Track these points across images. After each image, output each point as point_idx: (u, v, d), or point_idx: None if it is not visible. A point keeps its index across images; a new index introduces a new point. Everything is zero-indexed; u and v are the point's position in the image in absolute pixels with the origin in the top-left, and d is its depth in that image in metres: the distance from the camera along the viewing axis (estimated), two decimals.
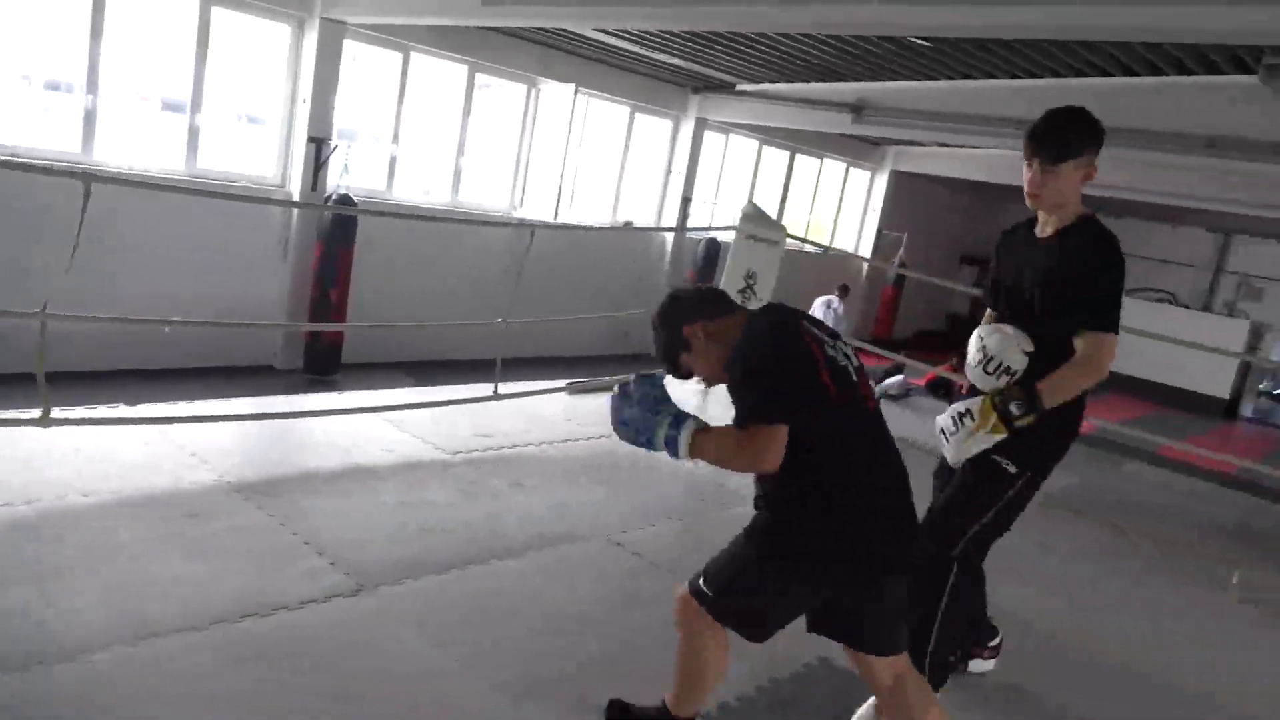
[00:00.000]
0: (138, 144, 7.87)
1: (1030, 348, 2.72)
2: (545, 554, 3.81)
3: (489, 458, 4.87)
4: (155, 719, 2.43)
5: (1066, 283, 2.66)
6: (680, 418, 2.25)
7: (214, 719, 2.47)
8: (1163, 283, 16.76)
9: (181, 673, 2.63)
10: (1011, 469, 2.75)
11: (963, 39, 7.45)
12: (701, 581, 2.35)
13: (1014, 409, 2.62)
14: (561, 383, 6.54)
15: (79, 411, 4.29)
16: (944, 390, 9.97)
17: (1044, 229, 2.80)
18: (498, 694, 2.78)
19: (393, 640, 2.99)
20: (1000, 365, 2.72)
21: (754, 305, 6.76)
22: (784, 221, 10.85)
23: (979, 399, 2.73)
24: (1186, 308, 16.49)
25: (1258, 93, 5.87)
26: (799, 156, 14.05)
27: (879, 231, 15.81)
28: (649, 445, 2.27)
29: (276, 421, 5.06)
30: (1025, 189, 2.74)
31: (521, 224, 8.46)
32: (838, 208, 15.49)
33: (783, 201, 14.03)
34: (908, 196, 16.11)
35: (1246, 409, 16.97)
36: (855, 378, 2.27)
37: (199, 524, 3.57)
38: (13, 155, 6.72)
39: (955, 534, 2.85)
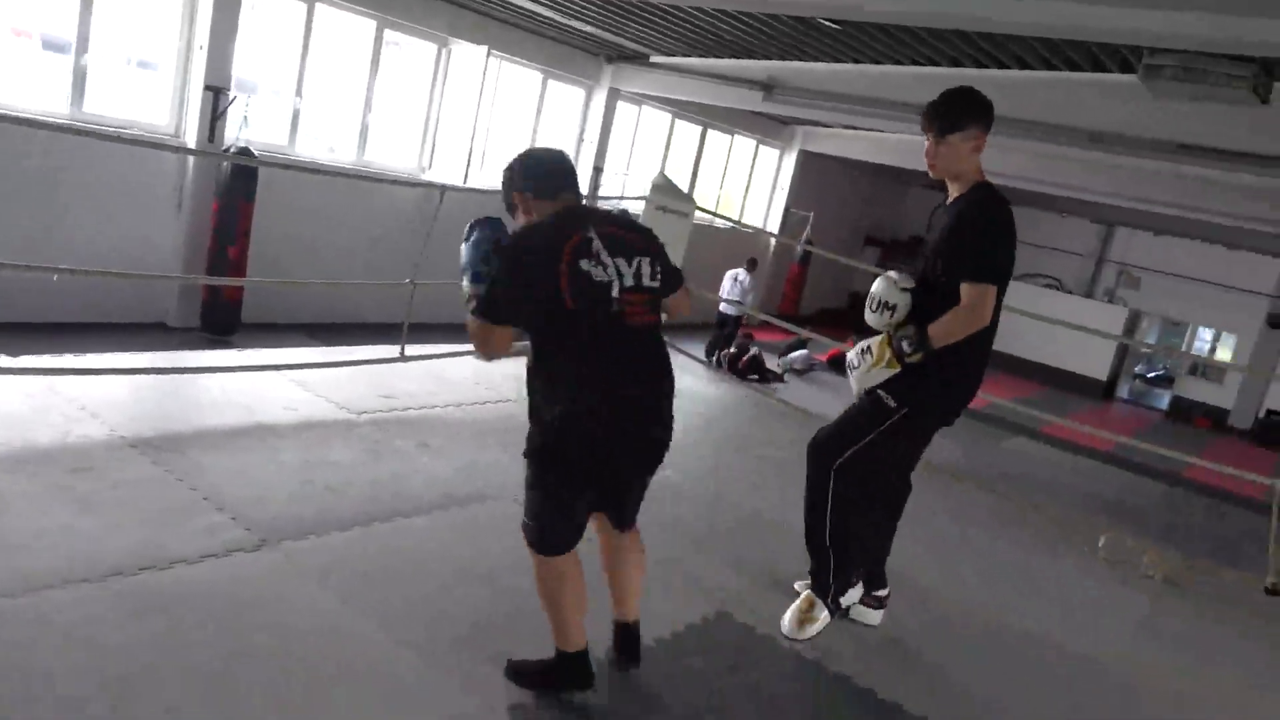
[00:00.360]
0: (15, 82, 7.39)
1: (909, 285, 3.04)
2: (453, 513, 3.83)
3: (394, 419, 4.83)
4: (47, 670, 2.37)
5: (953, 239, 2.94)
6: (479, 276, 2.51)
7: (111, 670, 2.42)
8: (1051, 269, 17.61)
9: (73, 624, 2.57)
10: (891, 403, 3.05)
11: (869, 24, 7.65)
12: (525, 515, 2.61)
13: (905, 346, 2.96)
14: (469, 346, 6.50)
15: None
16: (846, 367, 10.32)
17: (949, 197, 3.07)
18: (405, 649, 2.80)
19: (296, 595, 2.97)
20: (881, 302, 3.06)
21: None
22: (694, 195, 10.97)
23: (879, 337, 3.04)
24: (1071, 293, 17.38)
25: (1138, 91, 6.21)
26: (711, 132, 14.17)
27: (787, 209, 16.10)
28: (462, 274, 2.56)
29: (172, 377, 4.90)
30: (925, 160, 3.03)
31: (430, 185, 8.30)
32: (747, 184, 15.70)
33: (694, 175, 14.14)
34: (815, 176, 16.44)
35: (1123, 390, 18.05)
36: (617, 294, 2.42)
37: (89, 478, 3.45)
38: None
39: (835, 451, 3.14)
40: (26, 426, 3.79)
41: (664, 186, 7.34)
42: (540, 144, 11.69)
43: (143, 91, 8.15)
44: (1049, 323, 7.20)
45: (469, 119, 10.36)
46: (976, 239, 2.91)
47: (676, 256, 6.98)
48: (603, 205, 12.30)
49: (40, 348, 5.31)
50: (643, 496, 2.75)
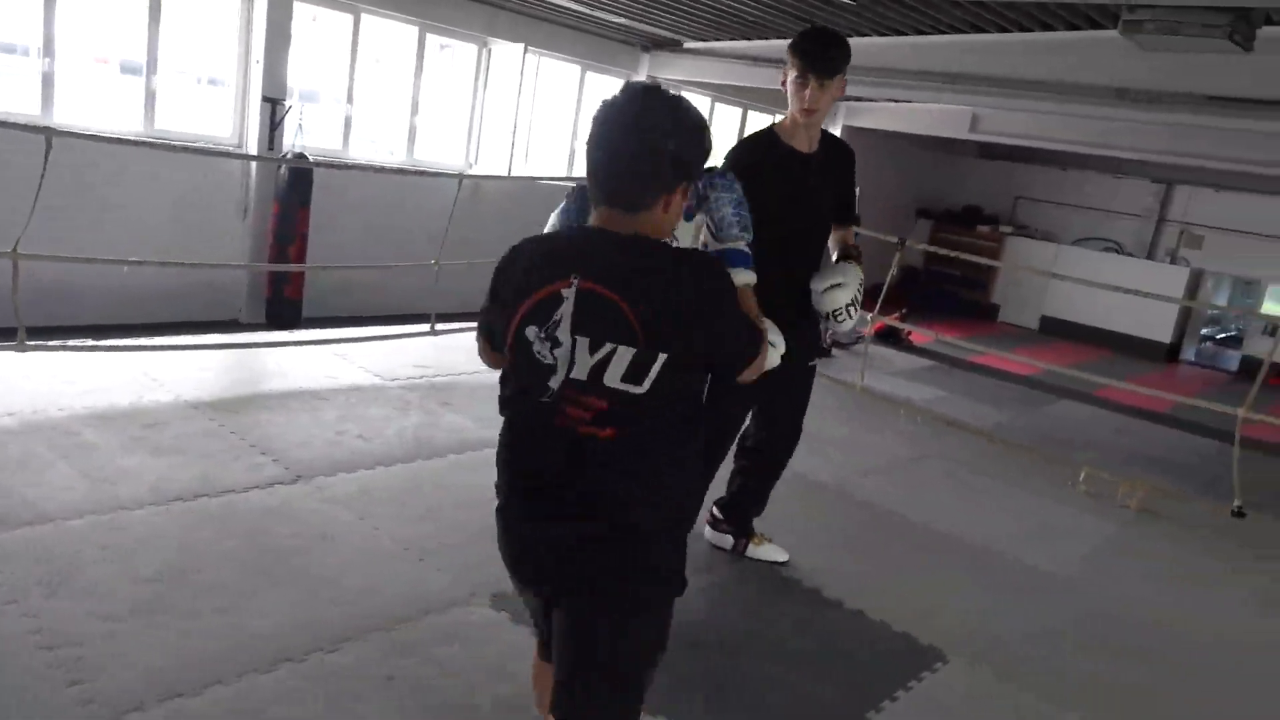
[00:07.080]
0: (97, 106, 8.21)
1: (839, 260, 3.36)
2: (465, 456, 4.37)
3: (424, 384, 5.41)
4: (130, 558, 2.99)
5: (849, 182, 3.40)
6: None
7: (174, 561, 3.04)
8: (1109, 232, 17.37)
9: (146, 534, 3.19)
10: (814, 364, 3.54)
11: None
12: None
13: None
14: None
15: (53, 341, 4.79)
16: (892, 339, 10.69)
17: (807, 145, 3.15)
18: (408, 552, 3.35)
19: (325, 514, 3.56)
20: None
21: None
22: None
23: (852, 280, 3.19)
24: (1131, 256, 17.12)
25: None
26: (751, 113, 14.49)
27: None
28: None
29: (232, 353, 5.56)
30: (802, 105, 3.00)
31: (423, 174, 8.89)
32: None
33: None
34: (861, 153, 16.49)
35: (1189, 352, 17.69)
36: (556, 386, 1.67)
37: (159, 430, 4.10)
38: None
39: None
40: (109, 392, 4.47)
41: None
42: (580, 136, 12.20)
43: (208, 108, 8.95)
44: (1106, 289, 7.20)
45: (510, 114, 10.95)
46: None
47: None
48: None
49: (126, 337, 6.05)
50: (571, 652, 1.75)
